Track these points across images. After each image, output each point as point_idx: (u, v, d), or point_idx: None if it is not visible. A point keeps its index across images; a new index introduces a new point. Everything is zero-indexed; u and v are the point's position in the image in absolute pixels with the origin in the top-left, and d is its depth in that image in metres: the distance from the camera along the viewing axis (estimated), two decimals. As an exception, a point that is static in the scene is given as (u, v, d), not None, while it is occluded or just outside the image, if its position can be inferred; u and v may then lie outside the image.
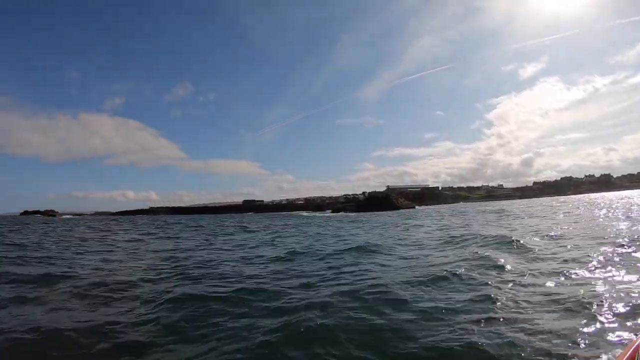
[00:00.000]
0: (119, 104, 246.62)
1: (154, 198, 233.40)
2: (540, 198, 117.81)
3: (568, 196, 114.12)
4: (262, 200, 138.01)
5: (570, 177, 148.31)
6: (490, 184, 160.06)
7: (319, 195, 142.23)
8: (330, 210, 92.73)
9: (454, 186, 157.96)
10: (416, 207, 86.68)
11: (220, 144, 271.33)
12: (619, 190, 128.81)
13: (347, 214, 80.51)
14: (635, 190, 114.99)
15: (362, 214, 75.63)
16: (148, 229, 31.89)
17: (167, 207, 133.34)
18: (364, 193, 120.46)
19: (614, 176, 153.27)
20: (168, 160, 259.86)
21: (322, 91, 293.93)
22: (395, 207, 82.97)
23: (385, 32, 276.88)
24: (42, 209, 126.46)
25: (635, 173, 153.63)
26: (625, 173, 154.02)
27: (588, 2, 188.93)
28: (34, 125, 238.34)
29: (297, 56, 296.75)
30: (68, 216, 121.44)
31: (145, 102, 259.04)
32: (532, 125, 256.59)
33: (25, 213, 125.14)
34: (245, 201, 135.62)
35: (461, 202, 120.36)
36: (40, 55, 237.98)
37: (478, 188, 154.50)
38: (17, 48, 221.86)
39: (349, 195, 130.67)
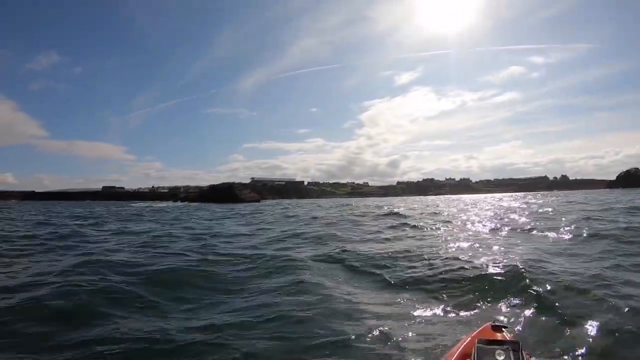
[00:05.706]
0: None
1: (10, 181, 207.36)
2: (403, 197, 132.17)
3: (427, 196, 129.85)
4: (123, 187, 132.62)
5: (432, 179, 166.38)
6: (357, 182, 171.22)
7: (186, 184, 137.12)
8: (172, 201, 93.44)
9: (321, 182, 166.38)
10: (262, 201, 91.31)
11: (85, 124, 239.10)
12: (476, 194, 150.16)
13: (188, 203, 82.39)
14: (489, 194, 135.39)
15: (203, 204, 78.09)
16: None
17: (19, 192, 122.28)
18: (233, 183, 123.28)
19: (473, 181, 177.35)
20: (27, 138, 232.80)
21: (197, 78, 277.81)
22: (238, 199, 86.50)
23: (269, 27, 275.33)
24: None
25: (492, 179, 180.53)
26: (483, 179, 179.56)
27: (467, 27, 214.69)
28: None
29: (175, 39, 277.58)
30: None
31: (2, 69, 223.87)
32: (401, 130, 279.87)
33: None
34: (104, 187, 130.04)
35: (316, 198, 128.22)
36: None
37: (344, 185, 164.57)
38: None
39: (216, 185, 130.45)
